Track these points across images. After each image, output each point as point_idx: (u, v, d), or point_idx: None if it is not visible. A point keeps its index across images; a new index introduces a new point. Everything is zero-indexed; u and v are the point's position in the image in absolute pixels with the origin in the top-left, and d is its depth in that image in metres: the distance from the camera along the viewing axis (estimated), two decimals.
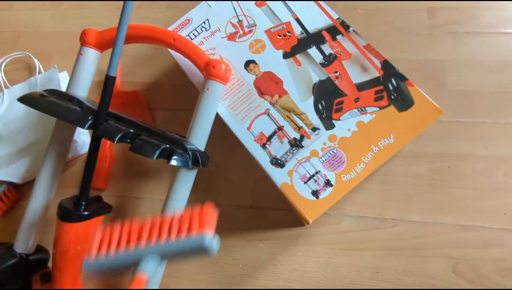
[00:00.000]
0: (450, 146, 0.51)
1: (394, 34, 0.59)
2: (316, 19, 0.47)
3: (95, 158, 0.42)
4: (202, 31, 0.49)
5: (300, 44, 0.46)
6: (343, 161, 0.41)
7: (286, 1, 0.49)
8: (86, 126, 0.40)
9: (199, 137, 0.43)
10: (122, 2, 0.37)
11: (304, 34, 0.47)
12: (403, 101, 0.42)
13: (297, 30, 0.47)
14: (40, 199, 0.47)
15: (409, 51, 0.57)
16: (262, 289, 0.48)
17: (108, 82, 0.40)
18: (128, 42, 0.47)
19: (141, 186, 0.56)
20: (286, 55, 0.46)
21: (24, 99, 0.42)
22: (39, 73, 0.63)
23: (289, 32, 0.47)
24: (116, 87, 0.60)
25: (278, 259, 0.49)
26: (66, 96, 0.44)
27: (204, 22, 0.49)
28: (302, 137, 0.43)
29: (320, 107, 0.43)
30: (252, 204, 0.52)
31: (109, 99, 0.40)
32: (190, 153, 0.40)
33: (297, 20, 0.48)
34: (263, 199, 0.52)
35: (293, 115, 0.44)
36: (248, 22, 0.48)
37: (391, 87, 0.43)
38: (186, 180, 0.43)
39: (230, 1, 0.50)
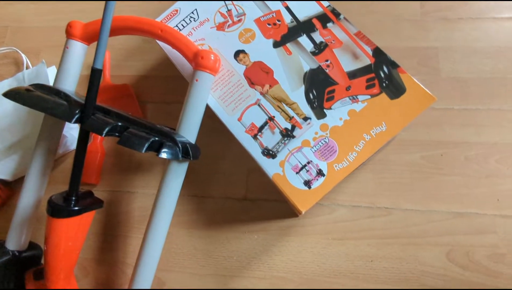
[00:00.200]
0: (443, 134, 0.51)
1: (386, 22, 0.58)
2: (306, 7, 0.46)
3: (83, 152, 0.41)
4: (191, 21, 0.48)
5: (290, 33, 0.46)
6: (335, 151, 0.41)
7: None
8: (73, 120, 0.39)
9: (189, 129, 0.42)
10: None
11: (294, 23, 0.46)
12: (394, 88, 0.42)
13: (287, 18, 0.46)
14: (30, 196, 0.46)
15: (402, 39, 0.57)
16: (254, 289, 0.47)
17: (94, 75, 0.39)
18: (114, 34, 0.46)
19: (134, 180, 0.55)
20: (276, 44, 0.45)
21: (10, 94, 0.41)
22: (27, 68, 0.62)
23: (279, 20, 0.46)
24: (105, 81, 0.59)
25: (272, 250, 0.49)
26: (52, 90, 0.43)
27: (192, 12, 0.48)
28: (293, 127, 0.42)
29: (311, 97, 0.43)
30: (245, 196, 0.52)
31: (96, 92, 0.40)
32: (180, 145, 0.40)
33: (287, 8, 0.47)
34: (256, 191, 0.52)
35: (284, 105, 0.43)
36: (237, 11, 0.48)
37: (382, 75, 0.43)
38: (177, 173, 0.42)
39: None
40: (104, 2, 0.37)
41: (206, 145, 0.54)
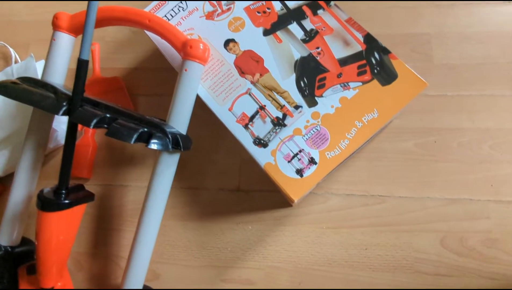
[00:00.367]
0: (436, 120, 0.51)
1: (378, 9, 0.57)
2: None
3: (72, 145, 0.41)
4: (179, 11, 0.47)
5: (281, 21, 0.45)
6: (326, 138, 0.40)
7: None
8: (61, 112, 0.38)
9: (179, 120, 0.42)
10: None
11: (284, 10, 0.45)
12: (386, 74, 0.42)
13: (277, 6, 0.46)
14: (21, 191, 0.46)
15: (395, 25, 0.56)
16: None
17: (81, 66, 0.38)
18: (102, 25, 0.45)
19: (127, 173, 0.55)
20: (266, 32, 0.45)
21: None
22: (15, 62, 0.61)
23: (268, 8, 0.46)
24: (95, 74, 0.58)
25: (266, 240, 0.49)
26: (40, 83, 0.43)
27: (181, 2, 0.48)
28: (284, 115, 0.42)
29: (302, 84, 0.42)
30: (239, 187, 0.52)
31: (83, 83, 0.39)
32: (169, 136, 0.39)
33: None
34: (249, 182, 0.52)
35: (275, 93, 0.43)
36: None
37: (374, 61, 0.42)
38: (169, 165, 0.42)
39: None
40: None
41: (198, 137, 0.54)
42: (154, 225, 0.43)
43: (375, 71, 0.42)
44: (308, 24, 0.44)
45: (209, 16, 0.47)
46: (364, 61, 0.42)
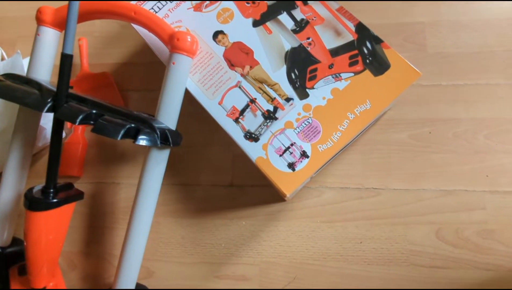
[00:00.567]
0: (431, 111, 0.50)
1: None
2: None
3: (59, 142, 0.40)
4: (166, 3, 0.46)
5: (270, 11, 0.44)
6: (318, 131, 0.40)
7: None
8: (45, 109, 0.37)
9: (168, 115, 0.41)
10: None
11: (274, 0, 0.44)
12: (378, 64, 0.41)
13: None
14: (10, 191, 0.45)
15: (388, 15, 0.55)
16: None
17: (65, 61, 0.37)
18: (86, 18, 0.44)
19: (118, 171, 0.54)
20: (255, 23, 0.44)
21: None
22: (1, 60, 0.59)
23: None
24: (83, 70, 0.57)
25: (260, 235, 0.48)
26: (24, 80, 0.41)
27: None
28: (275, 108, 0.41)
29: (293, 76, 0.42)
30: (232, 183, 0.51)
31: (68, 79, 0.38)
32: (158, 131, 0.38)
33: None
34: (242, 177, 0.51)
35: (266, 86, 0.42)
36: None
37: (366, 51, 0.41)
38: (158, 161, 0.41)
39: None
40: None
41: (190, 132, 0.53)
42: (145, 223, 0.42)
43: (367, 61, 0.41)
44: (298, 14, 0.43)
45: (197, 7, 0.45)
46: (356, 51, 0.41)
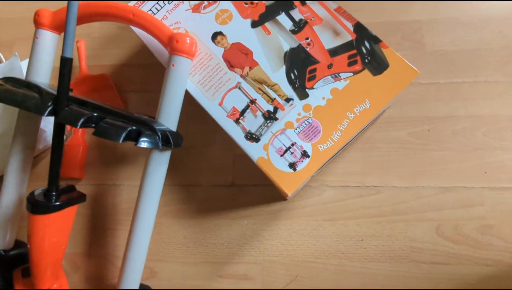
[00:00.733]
0: (430, 109, 0.50)
1: None
2: None
3: (60, 145, 0.40)
4: (165, 4, 0.46)
5: (269, 12, 0.44)
6: (319, 131, 0.40)
7: None
8: (46, 112, 0.38)
9: (169, 117, 0.41)
10: None
11: (272, 1, 0.44)
12: (377, 64, 0.41)
13: None
14: (11, 194, 0.45)
15: (385, 14, 0.55)
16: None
17: (65, 65, 0.37)
18: (85, 21, 0.44)
19: (119, 172, 0.54)
20: (254, 24, 0.44)
21: None
22: None
23: None
24: (82, 72, 0.57)
25: (262, 235, 0.49)
26: (23, 83, 0.41)
27: None
28: (275, 109, 0.41)
29: (293, 77, 0.42)
30: (233, 183, 0.51)
31: (68, 82, 0.38)
32: (159, 133, 0.38)
33: None
34: (243, 177, 0.51)
35: (266, 86, 0.42)
36: None
37: (364, 51, 0.41)
38: (160, 163, 0.41)
39: None
40: None
41: (190, 133, 0.53)
42: (148, 224, 0.42)
43: (366, 60, 0.41)
44: (296, 14, 0.44)
45: (196, 9, 0.45)
46: (354, 51, 0.42)
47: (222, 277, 0.48)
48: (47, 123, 0.53)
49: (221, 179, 0.52)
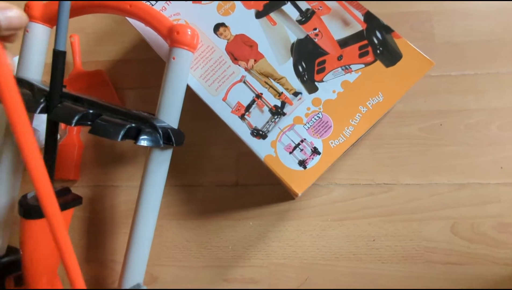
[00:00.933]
0: (441, 102, 0.48)
1: None
2: None
3: (54, 145, 0.37)
4: None
5: (273, 1, 0.42)
6: (329, 126, 0.38)
7: None
8: (38, 110, 0.35)
9: (170, 113, 0.39)
10: None
11: None
12: (390, 55, 0.39)
13: None
14: (2, 197, 0.42)
15: (393, 4, 0.53)
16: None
17: (57, 58, 0.35)
18: (79, 13, 0.42)
19: (117, 173, 0.52)
20: (258, 15, 0.41)
21: None
22: None
23: None
24: (76, 68, 0.54)
25: (269, 236, 0.47)
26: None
27: None
28: (283, 103, 0.39)
29: (301, 69, 0.39)
30: (237, 182, 0.49)
31: (62, 77, 0.36)
32: (160, 131, 0.36)
33: None
34: (248, 176, 0.49)
35: (272, 80, 0.40)
36: None
37: (376, 41, 0.39)
38: (161, 162, 0.39)
39: None
40: None
41: (191, 130, 0.50)
42: (149, 227, 0.40)
43: (378, 51, 0.39)
44: (303, 3, 0.41)
45: None
46: (365, 41, 0.39)
47: (228, 281, 0.46)
48: (40, 122, 0.51)
49: (224, 179, 0.49)
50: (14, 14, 0.22)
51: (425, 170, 0.46)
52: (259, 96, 0.39)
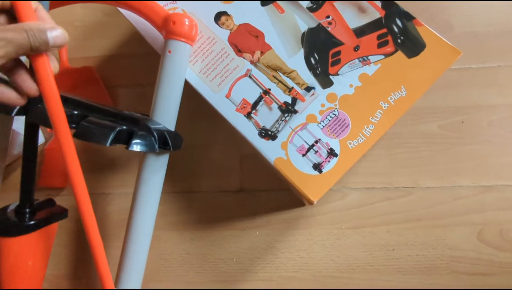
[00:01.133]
0: (462, 98, 0.45)
1: None
2: None
3: (33, 151, 0.33)
4: None
5: None
6: (347, 125, 0.34)
7: None
8: (14, 111, 0.30)
9: (166, 114, 0.35)
10: None
11: None
12: (412, 44, 0.35)
13: None
14: None
15: None
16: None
17: None
18: (65, 2, 0.37)
19: (108, 179, 0.47)
20: (264, 2, 0.37)
21: None
22: None
23: None
24: (63, 65, 0.49)
25: (277, 247, 0.42)
26: None
27: None
28: (294, 100, 0.35)
29: (313, 61, 0.35)
30: (241, 187, 0.45)
31: None
32: (155, 134, 0.32)
33: None
34: (253, 180, 0.45)
35: (281, 74, 0.35)
36: None
37: (396, 29, 0.35)
38: (156, 169, 0.35)
39: None
40: None
41: (190, 131, 0.46)
42: (144, 238, 0.36)
43: (399, 41, 0.35)
44: None
45: None
46: (384, 30, 0.35)
47: None
48: (22, 125, 0.46)
49: (227, 184, 0.45)
50: (58, 33, 0.25)
51: (447, 172, 0.42)
52: (267, 92, 0.35)
